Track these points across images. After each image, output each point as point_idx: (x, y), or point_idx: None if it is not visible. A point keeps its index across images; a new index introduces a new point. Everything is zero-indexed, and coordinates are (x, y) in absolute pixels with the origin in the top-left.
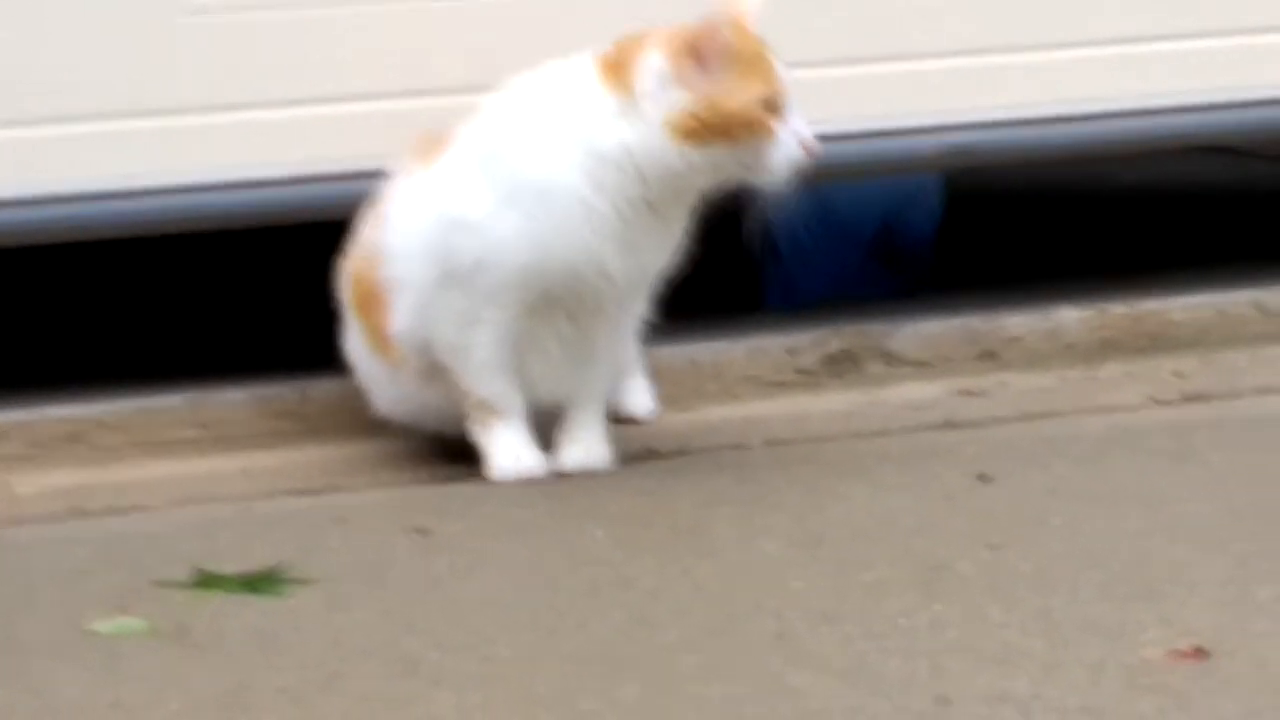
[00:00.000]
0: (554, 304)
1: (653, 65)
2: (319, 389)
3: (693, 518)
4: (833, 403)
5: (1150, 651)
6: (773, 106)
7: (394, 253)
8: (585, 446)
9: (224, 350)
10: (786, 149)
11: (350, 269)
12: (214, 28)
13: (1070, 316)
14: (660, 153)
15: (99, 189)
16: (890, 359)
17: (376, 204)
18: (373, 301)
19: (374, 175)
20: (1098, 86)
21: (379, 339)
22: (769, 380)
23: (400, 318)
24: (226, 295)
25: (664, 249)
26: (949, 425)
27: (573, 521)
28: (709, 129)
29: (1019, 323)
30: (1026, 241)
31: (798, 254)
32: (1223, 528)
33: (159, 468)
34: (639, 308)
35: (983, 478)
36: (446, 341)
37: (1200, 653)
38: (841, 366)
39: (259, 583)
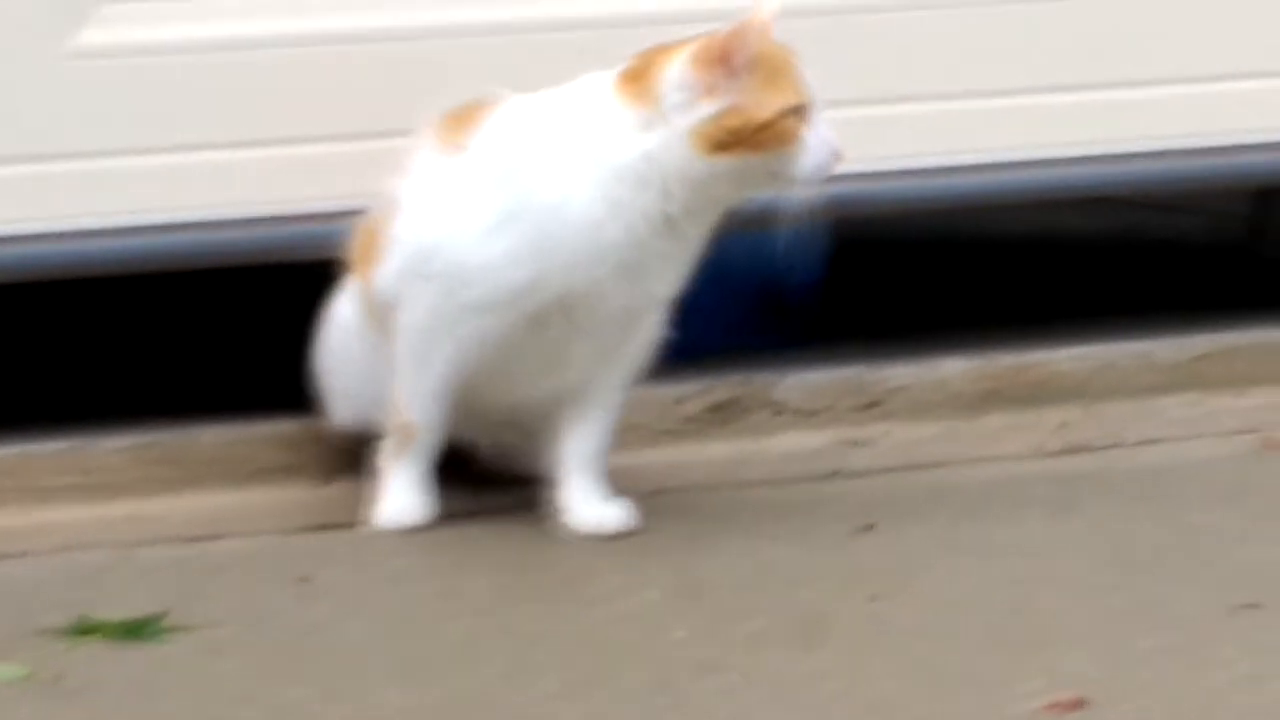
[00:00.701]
0: (544, 323)
1: (678, 76)
2: (203, 436)
3: (575, 566)
4: (718, 452)
5: (1031, 702)
6: (801, 114)
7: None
8: (597, 506)
9: (106, 396)
10: (816, 157)
11: (363, 228)
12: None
13: (955, 367)
14: (686, 164)
15: None
16: (776, 408)
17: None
18: (370, 252)
19: (251, 222)
20: (980, 138)
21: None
22: (655, 429)
23: (387, 271)
24: (109, 340)
25: (673, 272)
26: (833, 475)
27: (454, 569)
28: (738, 139)
29: (904, 373)
30: (912, 291)
31: (683, 303)
32: (1103, 578)
33: (40, 514)
34: (642, 342)
35: (866, 528)
36: (407, 344)
37: (1081, 703)
38: (727, 415)
39: (139, 630)
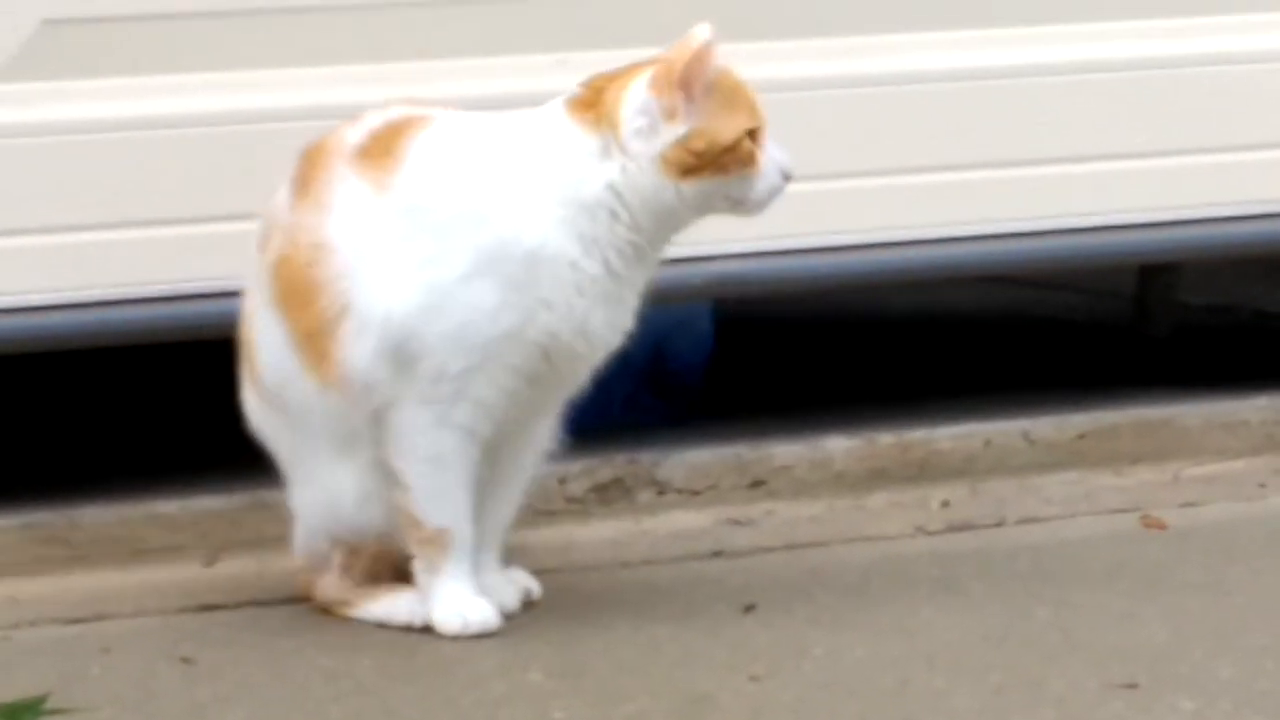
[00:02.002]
0: (534, 378)
1: (638, 100)
2: (88, 515)
3: (457, 647)
4: (601, 531)
5: None
6: (755, 136)
7: (346, 273)
8: (507, 574)
9: None
10: (769, 180)
11: (270, 259)
12: None
13: (839, 446)
14: (654, 190)
15: None
16: (660, 487)
17: (299, 190)
18: (305, 300)
19: (131, 303)
20: (863, 217)
21: (311, 347)
22: (537, 509)
23: (356, 352)
24: None
25: (638, 300)
26: (716, 555)
27: (339, 651)
28: (704, 162)
29: (788, 452)
30: (796, 369)
31: None
32: (982, 656)
33: None
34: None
35: (748, 608)
36: (412, 447)
37: None
38: (611, 495)
39: (20, 713)
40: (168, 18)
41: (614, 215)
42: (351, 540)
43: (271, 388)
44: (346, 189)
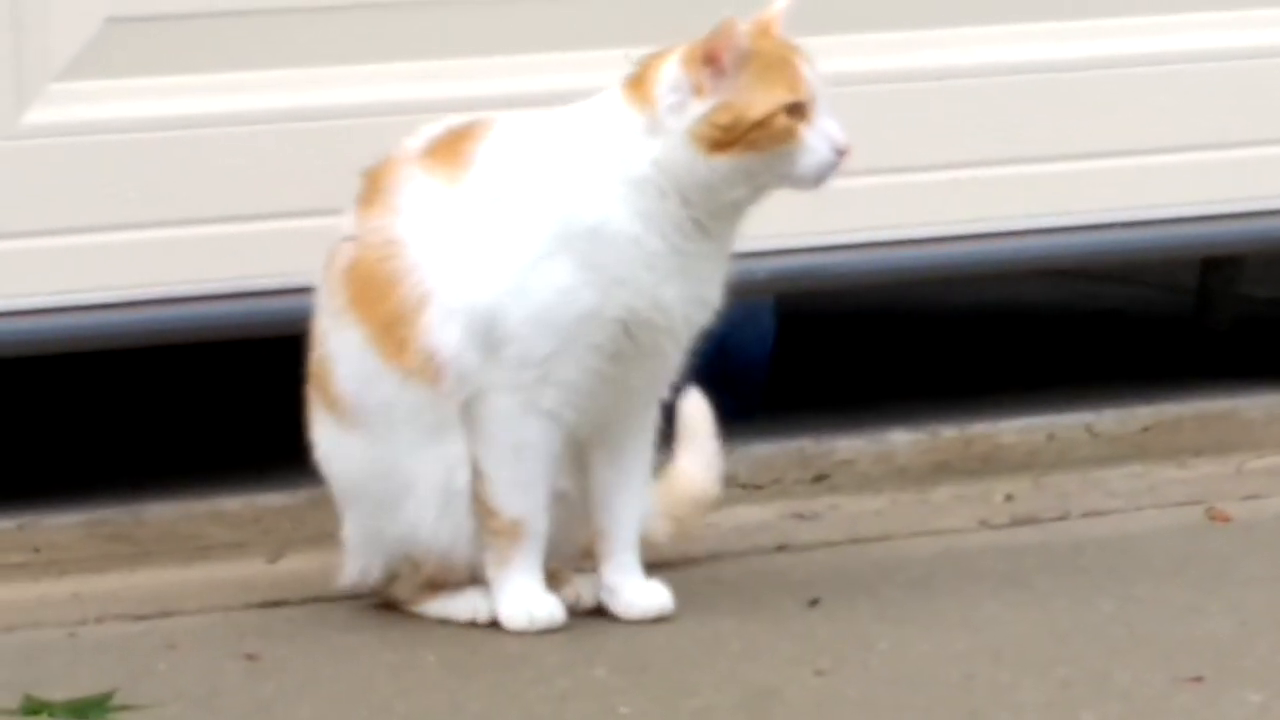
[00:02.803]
0: (619, 358)
1: (671, 76)
2: (152, 512)
3: (522, 644)
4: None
5: None
6: (799, 111)
7: (423, 262)
8: (645, 588)
9: (56, 471)
10: (816, 155)
11: (339, 267)
12: None
13: (901, 439)
14: (689, 165)
15: None
16: (724, 481)
17: (365, 203)
18: (381, 294)
19: (199, 299)
20: (928, 211)
21: (390, 338)
22: None
23: (444, 339)
24: (60, 416)
25: (719, 273)
26: (780, 549)
27: (403, 646)
28: (733, 138)
29: (851, 446)
30: (858, 364)
31: None
32: (1047, 651)
33: None
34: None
35: (813, 602)
36: (494, 434)
37: None
38: None
39: (87, 710)
40: (230, 15)
41: (662, 192)
42: (418, 557)
43: (350, 397)
44: (415, 188)
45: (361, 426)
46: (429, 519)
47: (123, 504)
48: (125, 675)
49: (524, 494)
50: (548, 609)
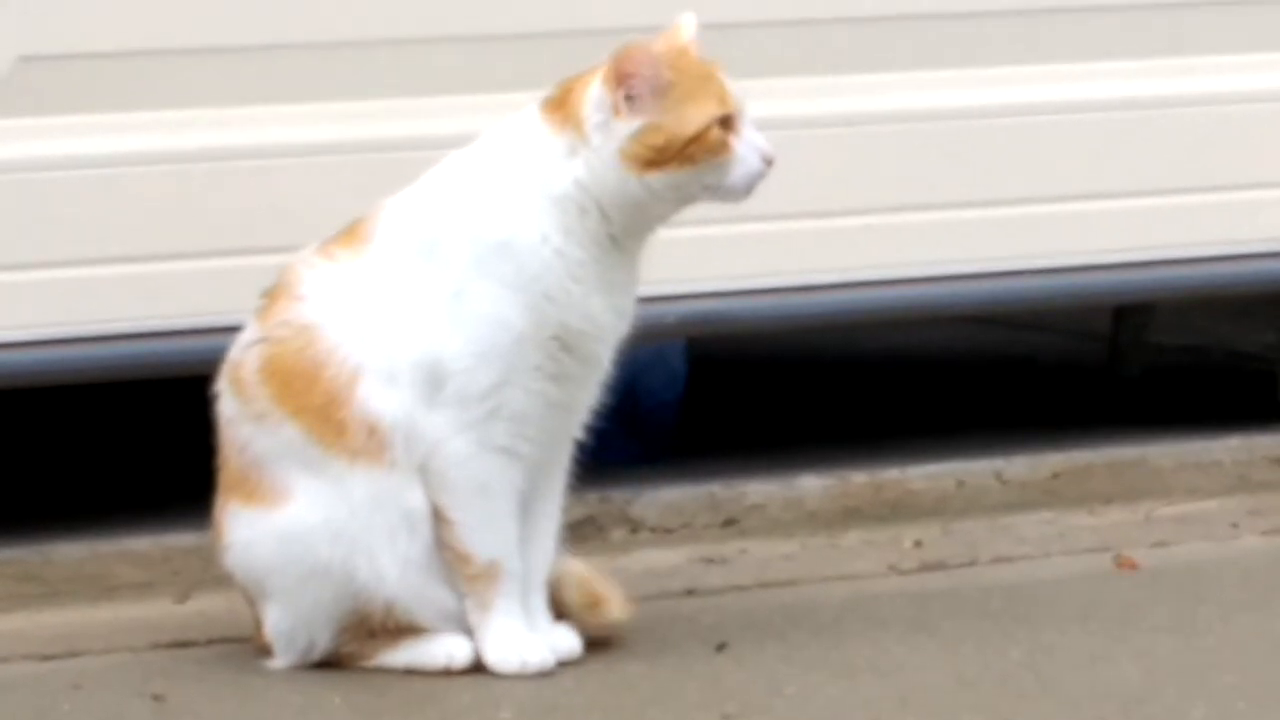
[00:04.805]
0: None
1: (597, 97)
2: (60, 552)
3: (428, 686)
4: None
5: None
6: (729, 123)
7: (344, 339)
8: (552, 632)
9: None
10: (746, 165)
11: (248, 378)
12: None
13: (812, 484)
14: (619, 184)
15: None
16: (633, 525)
17: (265, 307)
18: (308, 381)
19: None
20: (837, 257)
21: (325, 423)
22: None
23: (387, 405)
24: None
25: (633, 285)
26: (689, 593)
27: (310, 687)
28: (667, 155)
29: (761, 490)
30: (769, 408)
31: None
32: (954, 697)
33: None
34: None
35: (720, 646)
36: (459, 486)
37: None
38: (584, 532)
39: None
40: (143, 54)
41: (583, 209)
42: (377, 611)
43: (289, 485)
44: (318, 274)
45: (300, 499)
46: (392, 570)
47: (30, 544)
48: (30, 715)
49: (494, 534)
50: (540, 653)
